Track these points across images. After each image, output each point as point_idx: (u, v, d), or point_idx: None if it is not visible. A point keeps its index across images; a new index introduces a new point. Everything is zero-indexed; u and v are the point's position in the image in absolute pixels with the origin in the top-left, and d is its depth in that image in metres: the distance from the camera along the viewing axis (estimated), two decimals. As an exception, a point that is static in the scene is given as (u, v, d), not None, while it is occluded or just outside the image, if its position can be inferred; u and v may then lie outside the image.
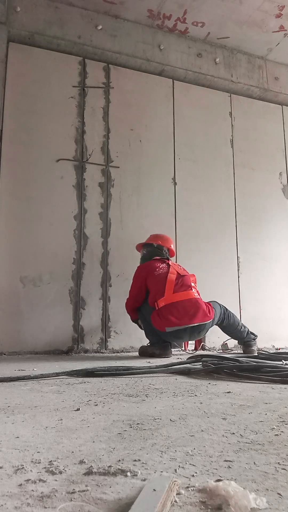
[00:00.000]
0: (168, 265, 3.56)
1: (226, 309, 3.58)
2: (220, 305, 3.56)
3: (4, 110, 3.97)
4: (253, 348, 3.57)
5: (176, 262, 4.31)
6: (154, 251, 3.71)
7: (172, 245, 3.83)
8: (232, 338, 3.77)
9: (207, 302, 3.42)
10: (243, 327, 3.62)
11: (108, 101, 4.46)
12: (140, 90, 4.64)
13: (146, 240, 3.86)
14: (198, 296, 3.39)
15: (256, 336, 3.67)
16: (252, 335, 3.64)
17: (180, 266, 3.73)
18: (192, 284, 3.46)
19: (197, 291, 3.47)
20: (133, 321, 3.74)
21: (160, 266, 3.52)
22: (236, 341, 4.44)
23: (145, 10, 4.43)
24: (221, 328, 3.64)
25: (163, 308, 3.26)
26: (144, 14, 4.48)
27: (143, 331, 3.63)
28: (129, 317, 3.72)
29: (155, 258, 3.64)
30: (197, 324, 3.24)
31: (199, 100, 4.92)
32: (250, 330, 3.66)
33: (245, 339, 3.61)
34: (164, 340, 3.36)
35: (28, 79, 4.15)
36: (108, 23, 4.47)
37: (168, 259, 3.69)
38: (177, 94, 4.82)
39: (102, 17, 4.46)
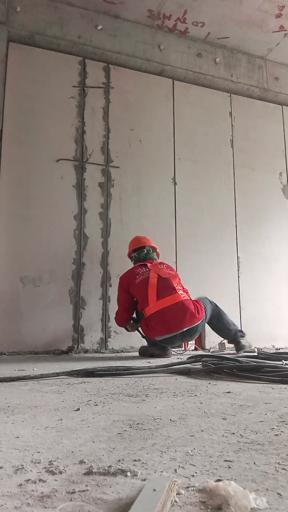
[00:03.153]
0: (148, 269, 3.45)
1: (217, 305, 3.51)
2: (210, 301, 3.49)
3: (4, 110, 3.97)
4: (243, 344, 3.42)
5: (176, 262, 4.31)
6: (136, 261, 3.65)
7: (149, 243, 3.72)
8: (221, 336, 3.65)
9: (196, 300, 3.32)
10: (233, 324, 3.52)
11: (108, 101, 4.46)
12: (140, 90, 4.64)
13: (128, 251, 3.80)
14: (186, 297, 3.27)
15: (245, 334, 3.57)
16: (240, 333, 3.53)
17: (163, 264, 3.57)
18: (177, 286, 3.33)
19: (184, 290, 3.36)
20: (123, 327, 3.71)
21: (140, 272, 3.43)
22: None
23: (145, 10, 4.43)
24: (211, 326, 3.53)
25: (150, 318, 3.20)
26: (144, 14, 4.48)
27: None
28: (117, 324, 3.68)
29: (136, 264, 3.59)
30: (186, 328, 3.17)
31: (199, 100, 4.92)
32: (238, 328, 3.58)
33: (234, 336, 3.49)
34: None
35: (28, 79, 4.15)
36: (108, 23, 4.47)
37: (150, 259, 3.60)
38: (177, 94, 4.82)
39: (102, 17, 4.46)
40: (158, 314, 3.18)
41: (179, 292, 3.28)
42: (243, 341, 3.46)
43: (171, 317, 3.15)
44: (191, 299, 3.35)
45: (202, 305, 3.33)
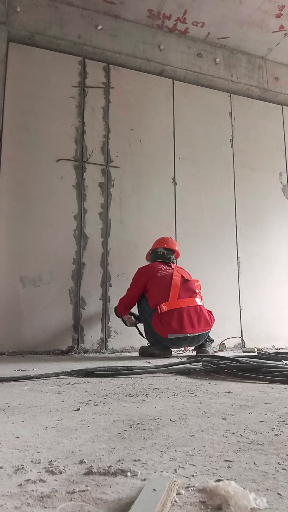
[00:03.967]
0: (172, 268, 3.54)
1: None
2: None
3: (4, 110, 3.97)
4: (207, 348, 3.36)
5: (176, 262, 4.31)
6: (159, 257, 3.69)
7: (177, 247, 3.81)
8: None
9: (208, 310, 3.41)
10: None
11: (108, 101, 4.46)
12: (140, 90, 4.64)
13: (152, 246, 3.84)
14: (201, 304, 3.38)
15: (213, 340, 3.55)
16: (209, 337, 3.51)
17: (184, 269, 3.69)
18: (197, 291, 3.44)
19: (201, 297, 3.45)
20: (118, 316, 3.74)
21: (163, 268, 3.50)
22: (235, 341, 4.45)
23: (145, 10, 4.43)
24: None
25: (166, 314, 3.22)
26: (144, 14, 4.48)
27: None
28: (117, 312, 3.71)
29: (157, 261, 3.65)
30: (198, 333, 3.23)
31: (199, 100, 4.92)
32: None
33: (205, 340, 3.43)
34: (163, 341, 3.35)
35: (28, 79, 4.15)
36: (108, 23, 4.47)
37: (172, 262, 3.67)
38: (177, 94, 4.82)
39: (102, 17, 4.46)
40: (175, 311, 3.22)
41: (198, 297, 3.39)
42: (208, 347, 3.40)
43: (188, 318, 3.21)
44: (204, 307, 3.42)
45: (213, 315, 3.40)
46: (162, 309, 3.25)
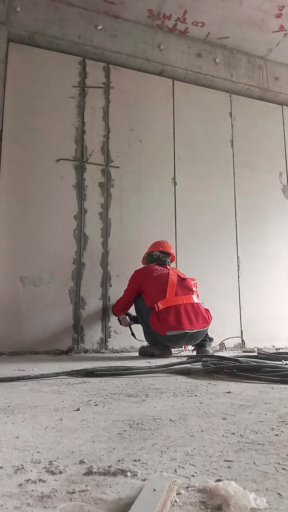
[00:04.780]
0: (167, 268, 3.58)
1: None
2: None
3: (4, 110, 3.96)
4: (207, 348, 3.38)
5: (176, 262, 4.31)
6: (154, 260, 3.71)
7: (172, 251, 3.83)
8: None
9: (206, 308, 3.43)
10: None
11: (108, 101, 4.46)
12: (140, 90, 4.64)
13: (148, 249, 3.86)
14: (198, 301, 3.41)
15: (212, 339, 3.55)
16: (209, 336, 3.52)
17: (179, 270, 3.75)
18: (194, 289, 3.47)
19: (197, 295, 3.48)
20: (114, 315, 3.80)
21: (158, 269, 3.54)
22: (235, 341, 4.46)
23: (145, 10, 4.43)
24: None
25: (163, 311, 3.23)
26: (144, 14, 4.48)
27: (141, 331, 3.63)
28: (113, 311, 3.76)
29: (153, 263, 3.67)
30: (196, 330, 3.24)
31: (199, 100, 4.92)
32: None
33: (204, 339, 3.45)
34: (163, 341, 3.36)
35: (28, 79, 4.15)
36: (108, 23, 4.47)
37: (168, 264, 3.70)
38: (177, 94, 4.82)
39: (102, 17, 4.46)
40: (172, 308, 3.24)
41: (194, 295, 3.42)
42: (208, 347, 3.40)
43: (185, 314, 3.23)
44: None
45: (210, 313, 3.40)
46: (159, 307, 3.26)
